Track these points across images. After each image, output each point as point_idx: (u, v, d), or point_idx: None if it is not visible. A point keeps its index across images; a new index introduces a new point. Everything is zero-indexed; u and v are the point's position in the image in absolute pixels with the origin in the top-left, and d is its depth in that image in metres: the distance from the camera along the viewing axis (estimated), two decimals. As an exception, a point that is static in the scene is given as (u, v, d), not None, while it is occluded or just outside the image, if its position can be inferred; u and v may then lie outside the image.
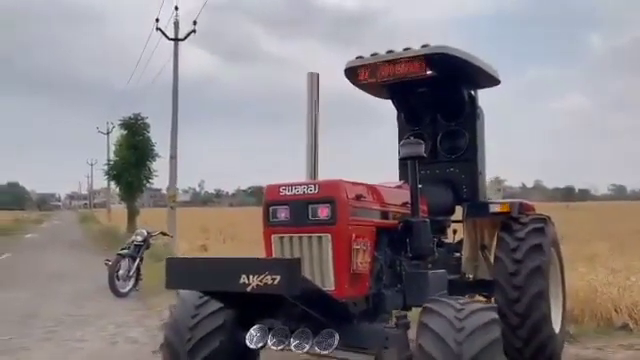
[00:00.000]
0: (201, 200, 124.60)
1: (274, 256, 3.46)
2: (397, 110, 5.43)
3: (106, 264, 9.27)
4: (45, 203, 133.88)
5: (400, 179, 4.92)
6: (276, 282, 2.64)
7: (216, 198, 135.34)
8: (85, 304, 7.97)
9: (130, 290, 8.82)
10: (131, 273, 8.91)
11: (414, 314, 3.44)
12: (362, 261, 3.42)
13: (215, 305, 3.63)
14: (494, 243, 4.92)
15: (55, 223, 45.61)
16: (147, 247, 9.43)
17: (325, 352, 3.20)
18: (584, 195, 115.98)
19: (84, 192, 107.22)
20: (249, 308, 3.40)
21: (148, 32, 19.71)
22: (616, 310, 6.44)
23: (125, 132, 21.70)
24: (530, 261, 4.39)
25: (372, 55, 4.79)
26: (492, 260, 4.86)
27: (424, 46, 4.59)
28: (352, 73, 4.86)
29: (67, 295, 8.77)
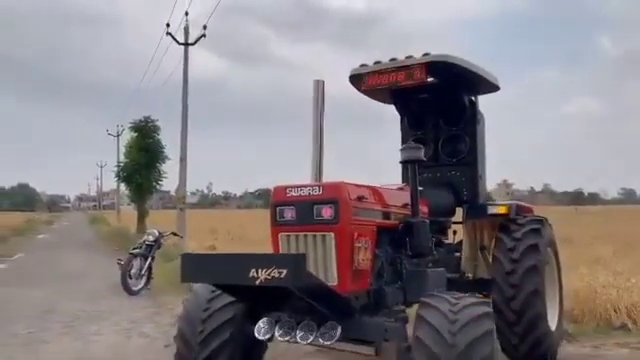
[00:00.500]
0: (209, 202, 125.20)
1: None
2: (400, 115, 5.64)
3: (118, 263, 9.55)
4: (55, 204, 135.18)
5: (402, 181, 5.13)
6: (283, 275, 2.86)
7: (224, 200, 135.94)
8: (99, 301, 8.24)
9: (142, 288, 9.08)
10: (143, 272, 9.17)
11: (413, 311, 3.64)
12: (363, 258, 3.63)
13: (225, 299, 3.87)
14: (493, 243, 5.12)
15: (65, 224, 46.15)
16: (158, 247, 9.71)
17: (328, 343, 3.41)
18: (593, 199, 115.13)
19: (93, 194, 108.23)
20: (258, 301, 3.63)
21: (159, 36, 20.01)
22: (615, 310, 6.56)
23: (135, 134, 22.03)
24: (526, 260, 4.59)
25: (375, 63, 5.01)
26: (491, 260, 5.06)
27: (425, 54, 4.79)
28: (356, 80, 5.08)
29: (81, 293, 9.04)
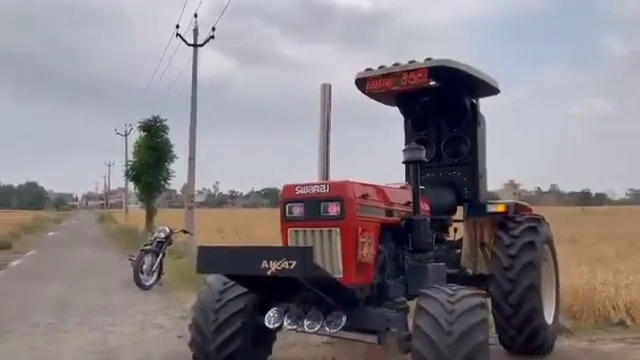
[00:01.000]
0: (216, 201, 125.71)
1: None
2: (404, 117, 5.87)
3: (130, 259, 9.85)
4: (62, 203, 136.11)
5: (406, 180, 5.35)
6: (292, 267, 3.11)
7: (230, 199, 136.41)
8: (113, 296, 8.52)
9: (153, 284, 9.35)
10: (154, 268, 9.45)
11: (414, 303, 3.86)
12: (367, 252, 3.86)
13: (237, 291, 4.13)
14: (492, 240, 5.33)
15: (74, 222, 46.69)
16: (169, 243, 9.99)
17: (333, 331, 3.66)
18: (601, 199, 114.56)
19: (100, 192, 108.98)
20: (268, 292, 3.88)
21: (168, 37, 20.25)
22: (614, 307, 6.70)
23: (144, 134, 22.30)
24: (523, 256, 4.80)
25: (380, 67, 5.24)
26: (490, 256, 5.28)
27: (428, 59, 5.02)
28: (362, 83, 5.32)
29: (95, 288, 9.32)
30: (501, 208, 5.23)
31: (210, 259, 3.57)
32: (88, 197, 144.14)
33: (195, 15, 16.52)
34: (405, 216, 4.34)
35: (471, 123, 5.53)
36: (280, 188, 4.15)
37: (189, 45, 16.66)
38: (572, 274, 7.89)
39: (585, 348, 5.43)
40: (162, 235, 9.84)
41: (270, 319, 3.88)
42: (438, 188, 5.37)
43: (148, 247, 9.70)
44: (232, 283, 4.13)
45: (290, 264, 3.12)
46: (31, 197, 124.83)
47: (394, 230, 4.29)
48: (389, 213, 4.28)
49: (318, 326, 3.68)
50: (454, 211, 5.52)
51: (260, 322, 3.94)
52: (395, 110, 5.86)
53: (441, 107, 5.51)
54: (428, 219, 4.46)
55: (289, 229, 3.94)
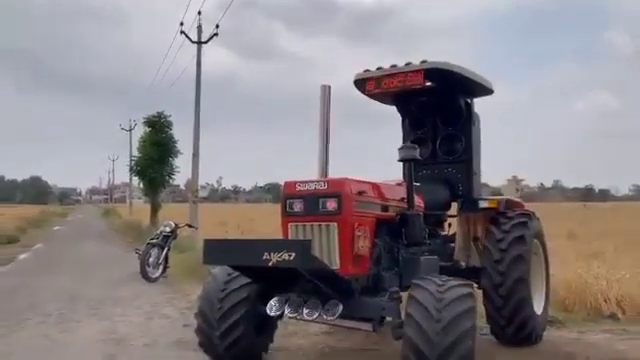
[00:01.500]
0: (219, 196, 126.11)
1: None
2: (401, 116, 6.10)
3: (136, 253, 10.12)
4: (66, 197, 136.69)
5: (403, 178, 5.59)
6: (292, 258, 3.36)
7: (233, 194, 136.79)
8: (120, 288, 8.79)
9: (159, 276, 9.63)
10: (160, 261, 9.73)
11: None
12: (363, 245, 4.10)
13: (241, 281, 4.39)
14: (485, 235, 5.56)
15: (79, 217, 47.10)
16: (175, 237, 10.27)
17: (331, 319, 3.91)
18: (604, 195, 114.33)
19: (104, 187, 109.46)
20: (270, 282, 4.13)
21: (173, 33, 20.49)
22: (605, 300, 6.91)
23: (149, 129, 22.55)
24: (513, 250, 5.04)
25: (378, 69, 5.47)
26: (482, 250, 5.51)
27: (423, 61, 5.25)
28: (360, 84, 5.55)
29: (103, 280, 9.60)
30: (493, 204, 5.47)
31: (215, 251, 3.83)
32: (92, 192, 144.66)
33: (199, 12, 16.74)
34: (400, 211, 4.58)
35: (466, 122, 5.75)
36: (283, 184, 4.39)
37: (193, 42, 16.88)
38: (567, 268, 8.12)
39: (573, 338, 5.64)
40: (168, 229, 10.13)
41: (272, 307, 4.13)
42: (433, 185, 5.61)
43: (154, 241, 9.97)
44: (236, 274, 4.39)
45: (290, 255, 3.37)
46: (35, 192, 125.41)
47: (389, 225, 4.53)
48: (385, 209, 4.51)
49: (316, 314, 3.93)
50: (449, 207, 5.75)
51: (262, 310, 4.20)
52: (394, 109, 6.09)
53: (437, 107, 5.74)
54: (422, 214, 4.71)
55: (289, 223, 4.18)
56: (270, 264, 3.42)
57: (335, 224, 4.00)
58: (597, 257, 10.84)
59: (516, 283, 4.96)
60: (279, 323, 4.81)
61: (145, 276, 9.39)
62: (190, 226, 11.73)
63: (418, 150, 4.59)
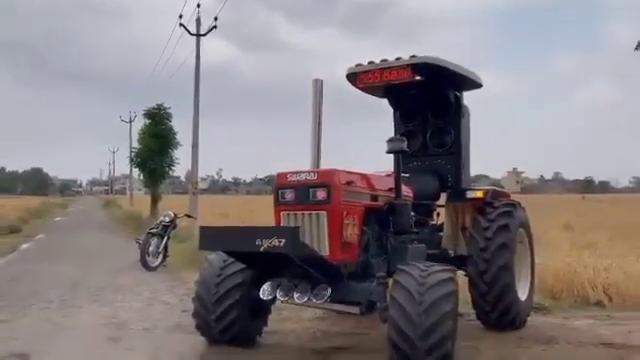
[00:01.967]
0: (219, 188, 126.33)
1: None
2: (393, 109, 6.28)
3: (137, 242, 10.35)
4: (67, 189, 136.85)
5: None
6: (281, 244, 3.58)
7: (234, 186, 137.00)
8: (120, 276, 9.01)
9: (159, 265, 9.86)
10: (160, 250, 9.96)
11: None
12: (351, 233, 4.31)
13: (235, 267, 4.61)
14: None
15: (80, 208, 47.35)
16: (174, 227, 10.50)
17: (320, 302, 4.14)
18: (604, 187, 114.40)
19: (104, 178, 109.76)
20: (262, 268, 4.35)
21: (172, 25, 20.69)
22: (593, 288, 7.13)
23: (149, 121, 22.72)
24: (498, 238, 5.24)
25: (369, 63, 5.65)
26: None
27: (412, 56, 5.43)
28: (352, 77, 5.73)
29: (104, 269, 9.83)
30: (480, 194, 5.66)
31: (210, 238, 4.04)
32: (93, 183, 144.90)
33: (198, 5, 16.87)
34: (388, 201, 4.78)
35: (455, 115, 5.93)
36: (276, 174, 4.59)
37: (192, 35, 17.02)
38: (557, 258, 8.32)
39: (557, 323, 5.85)
40: (167, 219, 10.36)
41: (264, 292, 4.35)
42: (423, 176, 5.81)
43: (154, 230, 10.20)
44: (231, 260, 4.60)
45: (280, 242, 3.59)
46: (36, 183, 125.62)
47: (378, 214, 4.73)
48: (373, 198, 4.71)
49: (306, 298, 4.16)
50: (438, 197, 5.95)
51: (256, 295, 4.42)
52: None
53: (427, 100, 5.91)
54: (409, 204, 4.91)
55: (281, 212, 4.39)
56: (262, 249, 3.64)
57: (324, 213, 4.21)
58: (590, 247, 11.06)
59: (500, 270, 5.16)
60: (273, 309, 5.02)
61: (145, 265, 9.62)
62: (189, 216, 11.95)
63: (406, 142, 4.77)
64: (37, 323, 5.79)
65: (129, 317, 6.03)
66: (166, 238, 10.11)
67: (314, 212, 4.24)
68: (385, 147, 4.72)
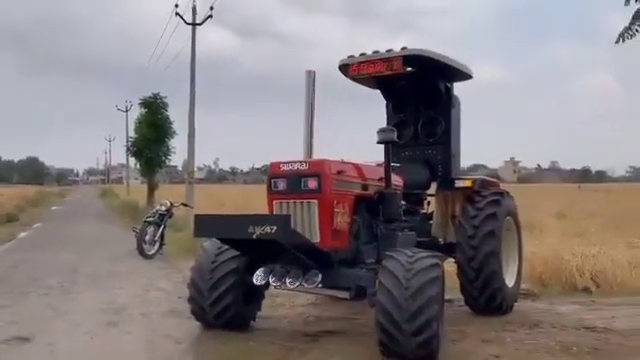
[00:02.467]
0: (216, 177, 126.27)
1: None
2: (385, 99, 6.39)
3: (134, 231, 10.49)
4: (64, 178, 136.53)
5: None
6: (273, 231, 3.73)
7: (231, 175, 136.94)
8: (118, 263, 9.16)
9: (155, 253, 10.01)
10: (156, 238, 10.10)
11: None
12: (341, 221, 4.45)
13: (229, 254, 4.75)
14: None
15: (77, 197, 47.44)
16: (170, 216, 10.64)
17: (311, 287, 4.29)
18: (601, 177, 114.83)
19: (101, 168, 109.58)
20: (256, 254, 4.49)
21: (167, 13, 20.65)
22: (580, 275, 7.30)
23: (145, 110, 22.74)
24: (485, 226, 5.39)
25: (361, 54, 5.75)
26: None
27: (403, 48, 5.53)
28: (345, 69, 5.83)
29: (101, 256, 9.97)
30: (468, 183, 5.80)
31: (205, 225, 4.18)
32: (89, 172, 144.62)
33: (194, -6, 16.83)
34: (378, 190, 4.91)
35: (446, 106, 6.05)
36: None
37: (187, 24, 17.02)
38: (547, 245, 8.49)
39: (543, 309, 6.01)
40: (163, 208, 10.50)
41: (257, 278, 4.50)
42: (414, 165, 5.94)
43: (151, 219, 10.34)
44: (225, 247, 4.74)
45: (272, 229, 3.73)
46: (32, 172, 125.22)
47: (368, 202, 4.87)
48: (364, 187, 4.84)
49: (298, 283, 4.31)
50: (428, 186, 6.09)
51: (249, 281, 4.57)
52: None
53: (418, 91, 6.03)
54: (399, 193, 5.04)
55: (274, 201, 4.52)
56: (254, 236, 3.78)
57: (315, 201, 4.34)
58: (581, 236, 11.26)
59: (487, 257, 5.32)
60: (268, 296, 5.18)
61: (142, 253, 9.77)
62: (186, 205, 12.07)
63: (396, 133, 4.89)
64: (37, 308, 5.94)
65: (126, 303, 6.19)
66: (162, 227, 10.26)
67: (305, 201, 4.37)
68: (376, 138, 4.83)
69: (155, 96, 22.54)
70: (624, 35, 4.06)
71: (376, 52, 5.67)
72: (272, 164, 4.59)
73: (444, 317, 4.38)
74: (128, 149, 24.41)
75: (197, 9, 17.06)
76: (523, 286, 6.37)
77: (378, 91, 6.31)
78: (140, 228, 10.13)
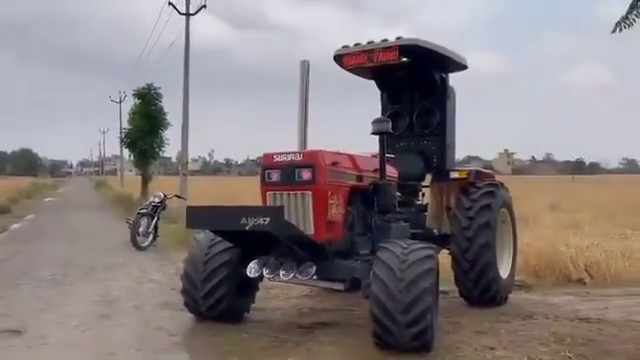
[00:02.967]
0: (211, 169, 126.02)
1: None
2: (380, 90, 6.34)
3: (127, 222, 10.43)
4: (57, 170, 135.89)
5: None
6: (266, 222, 3.69)
7: (226, 167, 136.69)
8: (111, 255, 9.10)
9: (149, 245, 9.96)
10: (150, 230, 10.05)
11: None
12: (336, 213, 4.42)
13: (222, 246, 4.71)
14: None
15: (70, 189, 47.17)
16: (163, 208, 10.57)
17: (305, 279, 4.26)
18: (594, 168, 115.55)
19: (95, 159, 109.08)
20: (249, 246, 4.46)
21: (161, 4, 20.41)
22: (575, 267, 7.33)
23: (139, 101, 22.57)
24: (480, 218, 5.37)
25: (355, 45, 5.69)
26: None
27: (398, 38, 5.48)
28: (340, 59, 5.77)
29: (94, 248, 9.91)
30: (463, 175, 5.78)
31: (197, 217, 4.14)
32: (83, 164, 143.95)
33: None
34: (372, 181, 4.88)
35: (441, 96, 6.00)
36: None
37: (181, 14, 16.87)
38: (541, 237, 8.51)
39: (537, 299, 6.03)
40: (157, 200, 10.44)
41: (251, 269, 4.47)
42: (409, 156, 5.91)
43: (144, 211, 10.28)
44: (219, 239, 4.71)
45: (265, 220, 3.69)
46: (25, 164, 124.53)
47: (363, 193, 4.83)
48: (359, 179, 4.80)
49: (292, 275, 4.28)
50: (423, 177, 6.06)
51: (243, 273, 4.54)
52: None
53: (413, 82, 5.98)
54: (393, 184, 5.01)
55: (268, 192, 4.48)
56: (247, 228, 3.75)
57: (309, 193, 4.30)
58: (574, 227, 11.31)
59: (482, 248, 5.31)
60: (262, 288, 5.15)
61: (135, 245, 9.72)
62: (179, 197, 12.01)
63: (390, 124, 4.85)
64: (29, 300, 5.89)
65: (119, 295, 6.15)
66: (156, 218, 10.20)
67: (299, 192, 4.33)
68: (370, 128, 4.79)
69: (149, 87, 22.36)
70: (621, 25, 4.01)
71: (371, 42, 5.61)
72: (265, 155, 4.55)
73: (439, 309, 4.38)
74: (122, 140, 24.25)
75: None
76: (517, 277, 6.37)
77: (373, 82, 6.26)
78: (134, 220, 10.07)
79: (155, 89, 22.36)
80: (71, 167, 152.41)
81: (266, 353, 4.12)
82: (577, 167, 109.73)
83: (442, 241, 5.80)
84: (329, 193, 4.35)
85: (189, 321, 4.93)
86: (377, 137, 4.74)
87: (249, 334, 4.54)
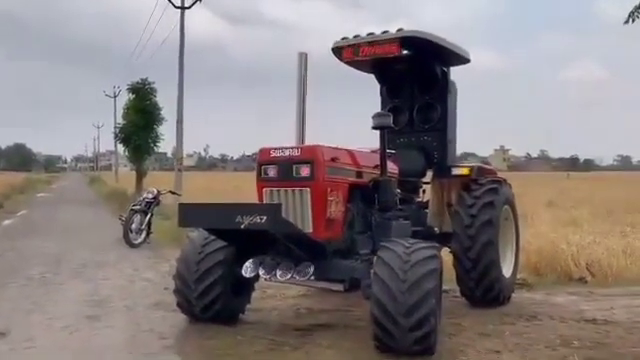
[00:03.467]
0: (206, 165, 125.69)
1: None
2: (379, 84, 6.16)
3: (120, 219, 10.22)
4: (52, 165, 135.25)
5: None
6: (263, 221, 3.50)
7: (221, 163, 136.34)
8: (103, 253, 8.89)
9: (142, 242, 9.75)
10: (143, 227, 9.84)
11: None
12: (335, 210, 4.24)
13: (217, 245, 4.52)
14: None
15: (64, 184, 46.78)
16: (157, 204, 10.37)
17: (303, 279, 4.08)
18: (589, 165, 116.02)
19: (89, 154, 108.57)
20: (244, 245, 4.27)
21: (156, -2, 20.15)
22: (576, 265, 7.21)
23: (133, 96, 22.29)
24: (482, 215, 5.21)
25: (355, 37, 5.50)
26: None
27: (399, 30, 5.29)
28: (338, 52, 5.58)
29: (86, 245, 9.70)
30: (465, 171, 5.61)
31: (190, 215, 3.95)
32: (78, 159, 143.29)
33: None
34: (373, 178, 4.70)
35: (442, 91, 5.83)
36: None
37: (176, 8, 16.62)
38: (541, 235, 8.38)
39: (540, 299, 5.89)
40: (150, 196, 10.23)
41: (247, 269, 4.29)
42: (409, 152, 5.73)
43: (137, 207, 10.07)
44: (213, 238, 4.51)
45: (261, 219, 3.51)
46: (19, 159, 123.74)
47: (363, 190, 4.66)
48: (358, 175, 4.63)
49: (289, 275, 4.10)
50: (424, 174, 5.89)
51: (238, 272, 4.35)
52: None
53: (414, 75, 5.80)
54: (394, 180, 4.83)
55: (264, 189, 4.29)
56: (242, 226, 3.56)
57: (308, 189, 4.12)
58: (573, 224, 11.20)
59: (485, 247, 5.15)
60: (258, 287, 4.97)
61: (128, 242, 9.51)
62: (173, 193, 11.81)
63: (391, 118, 4.67)
64: (16, 300, 5.69)
65: (110, 294, 5.95)
66: (149, 215, 10.00)
67: (297, 189, 4.16)
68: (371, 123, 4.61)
69: (143, 82, 22.07)
70: (634, 14, 3.86)
71: (371, 34, 5.42)
72: (262, 150, 4.36)
73: (442, 310, 4.21)
74: (116, 136, 24.00)
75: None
76: (518, 276, 6.23)
77: (372, 75, 6.07)
78: (126, 216, 9.86)
79: (149, 84, 22.08)
80: (65, 162, 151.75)
81: (262, 357, 3.94)
82: (572, 164, 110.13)
83: (443, 239, 5.64)
84: (328, 190, 4.17)
85: (182, 322, 4.75)
86: (377, 132, 4.56)
87: (244, 337, 4.36)
